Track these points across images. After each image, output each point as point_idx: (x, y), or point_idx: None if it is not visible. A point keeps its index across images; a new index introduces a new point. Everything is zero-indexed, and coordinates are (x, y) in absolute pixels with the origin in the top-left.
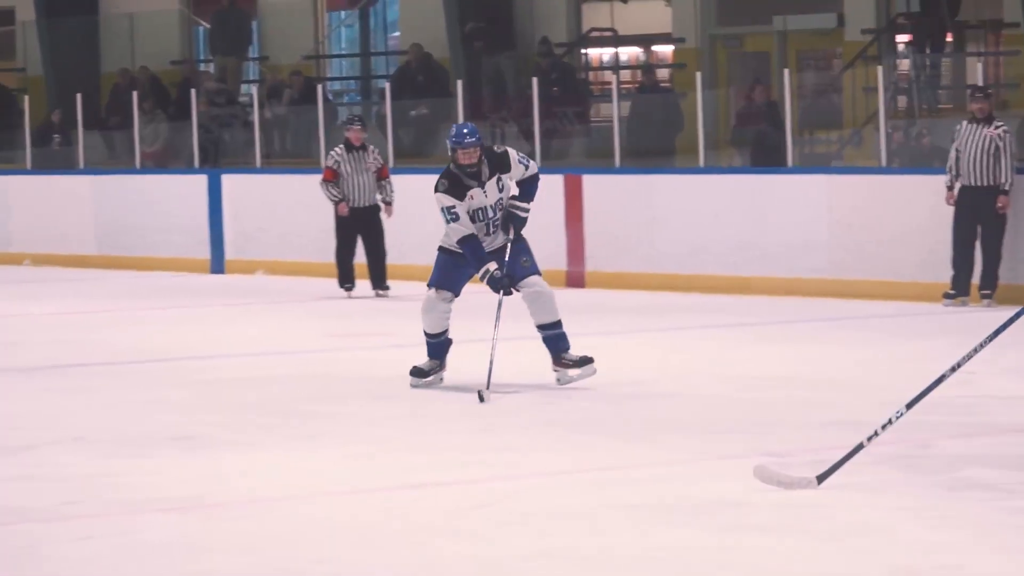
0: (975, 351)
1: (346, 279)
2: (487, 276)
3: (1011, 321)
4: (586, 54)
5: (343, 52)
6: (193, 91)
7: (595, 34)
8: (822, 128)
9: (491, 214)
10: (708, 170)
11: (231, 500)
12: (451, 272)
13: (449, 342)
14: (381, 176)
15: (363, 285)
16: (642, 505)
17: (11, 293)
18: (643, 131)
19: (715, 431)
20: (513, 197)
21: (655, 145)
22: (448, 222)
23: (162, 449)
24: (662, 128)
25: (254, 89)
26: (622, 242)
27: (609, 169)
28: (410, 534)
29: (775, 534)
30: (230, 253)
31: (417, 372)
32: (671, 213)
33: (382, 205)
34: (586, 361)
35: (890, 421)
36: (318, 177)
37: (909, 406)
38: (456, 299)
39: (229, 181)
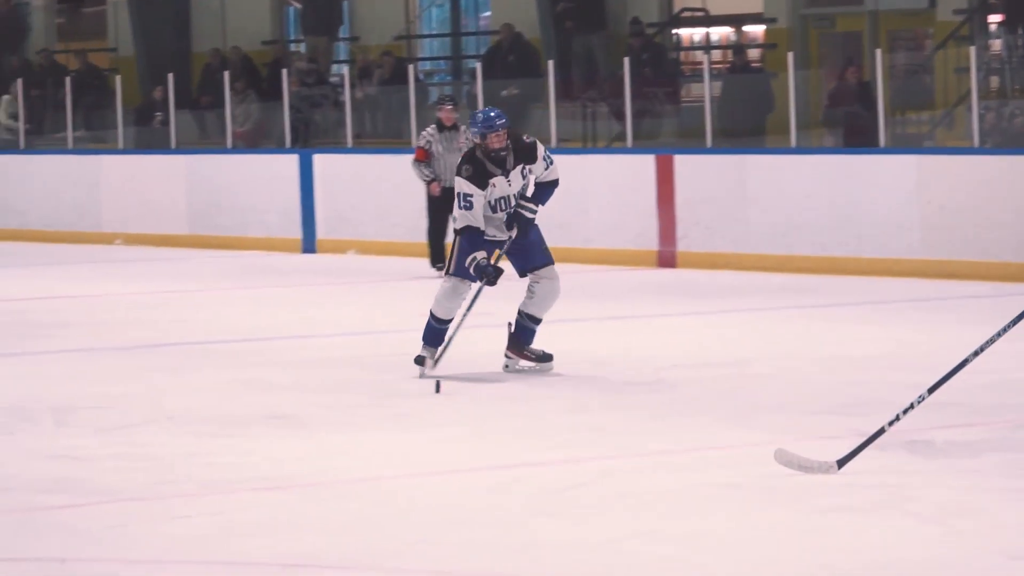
0: (999, 334)
1: (438, 259)
2: (474, 263)
3: None
4: (677, 34)
5: (434, 32)
6: (284, 71)
7: (686, 14)
8: (913, 109)
9: (515, 202)
10: (799, 150)
11: (326, 480)
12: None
13: (448, 336)
14: None
15: None
16: (740, 485)
17: (103, 273)
18: (734, 111)
19: (811, 411)
20: (524, 196)
21: (746, 125)
22: (460, 207)
23: (256, 429)
24: (753, 108)
25: (345, 69)
26: (713, 222)
27: (700, 149)
28: (507, 515)
29: (876, 516)
30: (322, 233)
31: (421, 361)
32: (763, 193)
33: None
34: (546, 358)
35: (912, 406)
36: (410, 157)
37: (931, 390)
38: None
39: (321, 161)
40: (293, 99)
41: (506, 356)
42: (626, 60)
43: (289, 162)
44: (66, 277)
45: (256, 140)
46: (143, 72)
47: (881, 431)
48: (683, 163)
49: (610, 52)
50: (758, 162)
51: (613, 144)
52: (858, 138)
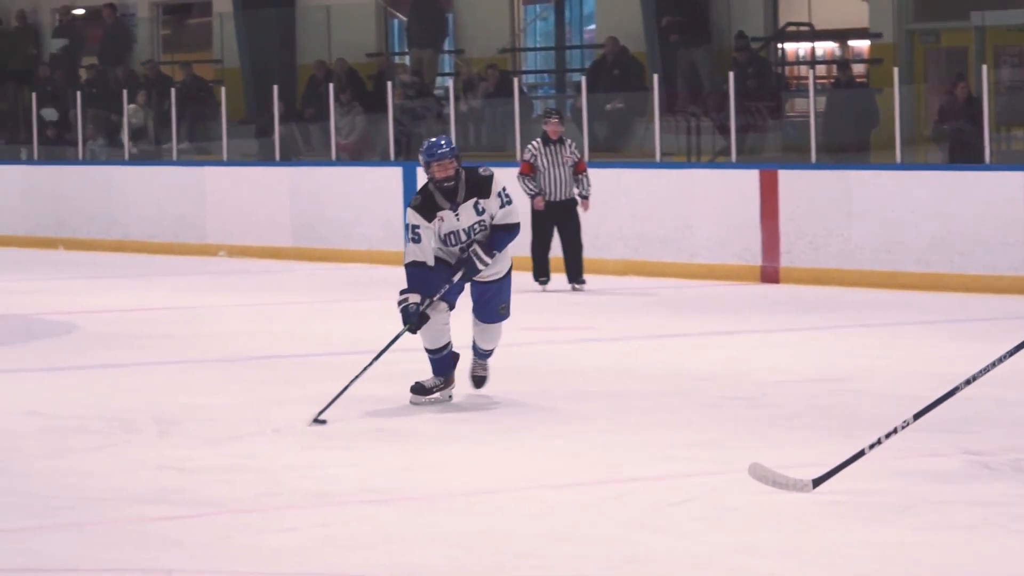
0: (994, 364)
1: (541, 273)
2: (404, 305)
3: None
4: (782, 48)
5: (538, 45)
6: (389, 84)
7: (791, 28)
8: (1020, 125)
9: (465, 238)
10: (904, 166)
11: (429, 493)
12: (434, 283)
13: (454, 356)
14: (578, 170)
15: (558, 279)
16: (846, 502)
17: (207, 285)
18: (839, 126)
19: (917, 428)
20: (479, 242)
21: (851, 140)
22: (407, 240)
23: (360, 441)
24: (858, 123)
25: (450, 82)
26: (817, 237)
27: (805, 164)
28: (615, 529)
29: (982, 533)
30: None
31: (418, 389)
32: (867, 209)
33: (579, 199)
34: (477, 384)
35: (895, 430)
36: (514, 170)
37: (916, 417)
38: (453, 310)
39: (424, 174)
40: (397, 112)
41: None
42: (731, 74)
43: (392, 174)
44: (170, 289)
45: (360, 152)
46: (248, 84)
47: (861, 453)
48: (787, 178)
49: (714, 66)
50: (862, 178)
51: (717, 159)
52: (963, 154)
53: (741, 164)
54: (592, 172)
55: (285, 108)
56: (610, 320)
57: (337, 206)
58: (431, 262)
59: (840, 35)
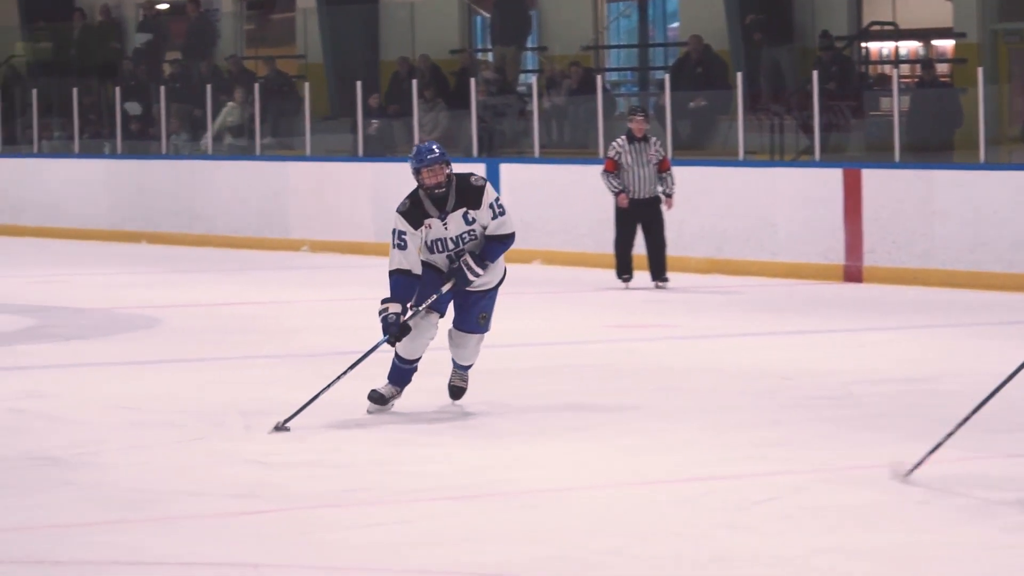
0: None
1: (624, 270)
2: (384, 315)
3: None
4: (865, 48)
5: (622, 43)
6: (472, 80)
7: (875, 28)
8: None
9: (452, 246)
10: (989, 166)
11: (514, 490)
12: (420, 292)
13: (415, 371)
14: (662, 168)
15: (641, 276)
16: (928, 501)
17: (290, 279)
18: (922, 126)
19: (999, 429)
20: (471, 253)
21: (934, 140)
22: (393, 245)
23: (444, 437)
24: (941, 123)
25: (533, 79)
26: (900, 237)
27: (888, 164)
28: (699, 527)
29: None
30: None
31: (378, 398)
32: (951, 208)
33: (663, 197)
34: (454, 395)
35: (965, 420)
36: (596, 167)
37: (979, 407)
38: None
39: (507, 170)
40: (479, 108)
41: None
42: (814, 73)
43: (476, 171)
44: (253, 284)
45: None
46: (331, 79)
47: (937, 446)
48: (871, 177)
49: (798, 65)
50: (946, 177)
51: (800, 157)
52: None
53: (824, 163)
54: (675, 170)
55: (370, 104)
56: (693, 318)
57: None
58: (417, 270)
59: (924, 34)
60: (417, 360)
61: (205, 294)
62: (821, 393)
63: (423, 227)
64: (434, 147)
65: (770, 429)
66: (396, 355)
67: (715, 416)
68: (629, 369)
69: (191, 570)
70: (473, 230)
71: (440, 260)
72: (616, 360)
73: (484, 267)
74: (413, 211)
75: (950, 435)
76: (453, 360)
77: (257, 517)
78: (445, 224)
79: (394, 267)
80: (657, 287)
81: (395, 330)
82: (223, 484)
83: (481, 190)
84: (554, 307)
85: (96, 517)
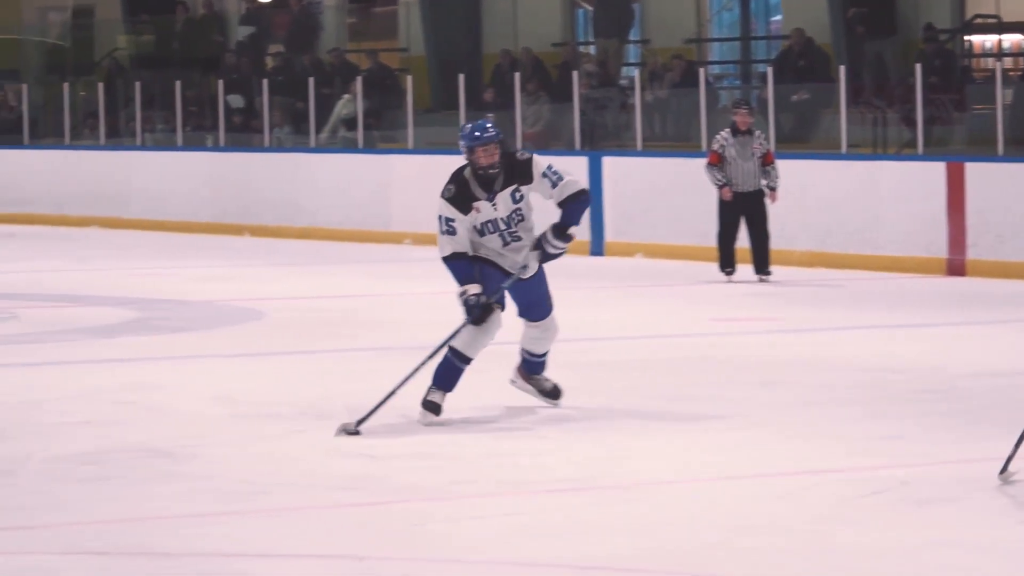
0: None
1: (727, 263)
2: (464, 297)
3: None
4: (968, 41)
5: (724, 36)
6: (575, 73)
7: (979, 21)
8: None
9: (504, 226)
10: None
11: (622, 483)
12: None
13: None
14: (766, 162)
15: (743, 270)
16: None
17: (394, 272)
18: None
19: None
20: (552, 227)
21: None
22: (442, 231)
23: (548, 430)
24: None
25: (635, 72)
26: (1004, 231)
27: (992, 157)
28: (806, 521)
29: None
30: (609, 235)
31: (435, 407)
32: None
33: (766, 190)
34: (553, 394)
35: None
36: (700, 161)
37: None
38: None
39: (609, 163)
40: (581, 101)
41: (512, 381)
42: (917, 66)
43: (578, 164)
44: (356, 276)
45: (545, 141)
46: (433, 72)
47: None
48: (974, 171)
49: (901, 58)
50: None
51: (903, 151)
52: None
53: (927, 156)
54: (778, 163)
55: (484, 99)
56: (796, 312)
57: None
58: (471, 252)
59: None
60: (473, 360)
61: (308, 287)
62: (925, 387)
63: (472, 211)
64: (488, 125)
65: (875, 423)
66: (453, 353)
67: (819, 410)
68: (732, 363)
69: (296, 562)
70: (520, 208)
71: (494, 241)
72: (719, 353)
73: (570, 237)
74: (459, 196)
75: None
76: (529, 361)
77: (362, 509)
78: (494, 205)
79: (449, 252)
80: (760, 280)
81: (479, 311)
82: (328, 476)
83: (530, 163)
84: (656, 300)
85: (202, 509)
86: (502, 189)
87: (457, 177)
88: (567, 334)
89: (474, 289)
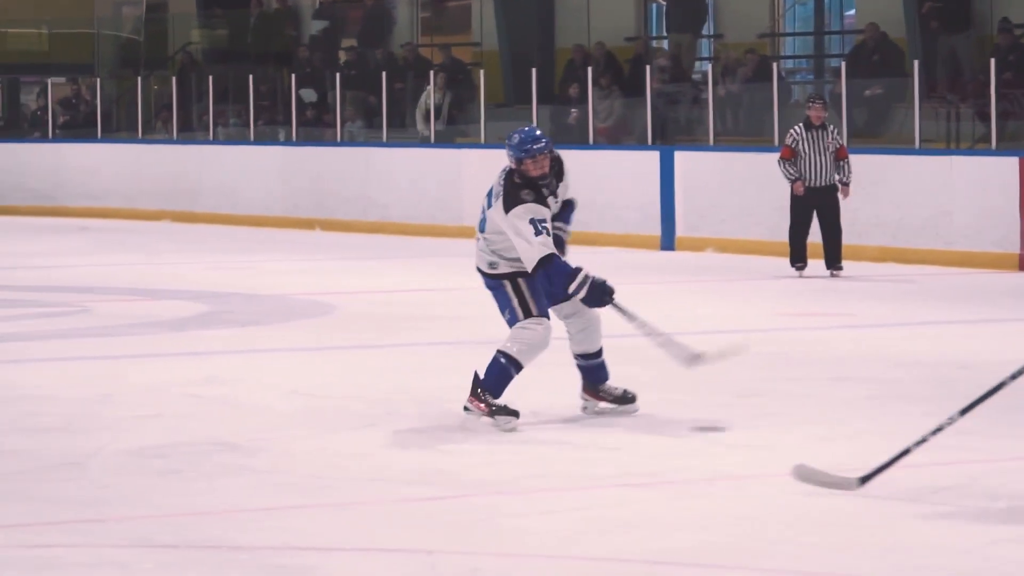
0: None
1: (798, 258)
2: (590, 280)
3: None
4: None
5: (798, 31)
6: (648, 67)
7: None
8: None
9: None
10: None
11: (688, 478)
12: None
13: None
14: (839, 156)
15: (814, 265)
16: None
17: (464, 267)
18: None
19: None
20: (562, 229)
21: None
22: (536, 233)
23: (619, 426)
24: None
25: (708, 66)
26: None
27: None
28: (874, 516)
29: None
30: (681, 230)
31: (510, 412)
32: None
33: (839, 185)
34: (627, 399)
35: (940, 428)
36: (772, 155)
37: (963, 412)
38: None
39: (682, 158)
40: (654, 96)
41: (583, 399)
42: (991, 61)
43: (650, 158)
44: (428, 271)
45: (618, 136)
46: (506, 67)
47: (906, 451)
48: None
49: (975, 53)
50: None
51: (977, 146)
52: None
53: (1001, 151)
54: (851, 158)
55: (570, 94)
56: (868, 307)
57: (594, 190)
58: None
59: None
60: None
61: (379, 281)
62: (995, 383)
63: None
64: (538, 133)
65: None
66: (512, 363)
67: (891, 405)
68: (804, 358)
69: (365, 556)
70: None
71: None
72: (790, 349)
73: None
74: (540, 195)
75: (919, 443)
76: (592, 363)
77: (432, 503)
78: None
79: (549, 251)
80: (832, 275)
81: (610, 289)
82: (398, 470)
83: (560, 159)
84: (727, 295)
85: (272, 502)
86: (556, 188)
87: (523, 180)
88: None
89: (587, 271)
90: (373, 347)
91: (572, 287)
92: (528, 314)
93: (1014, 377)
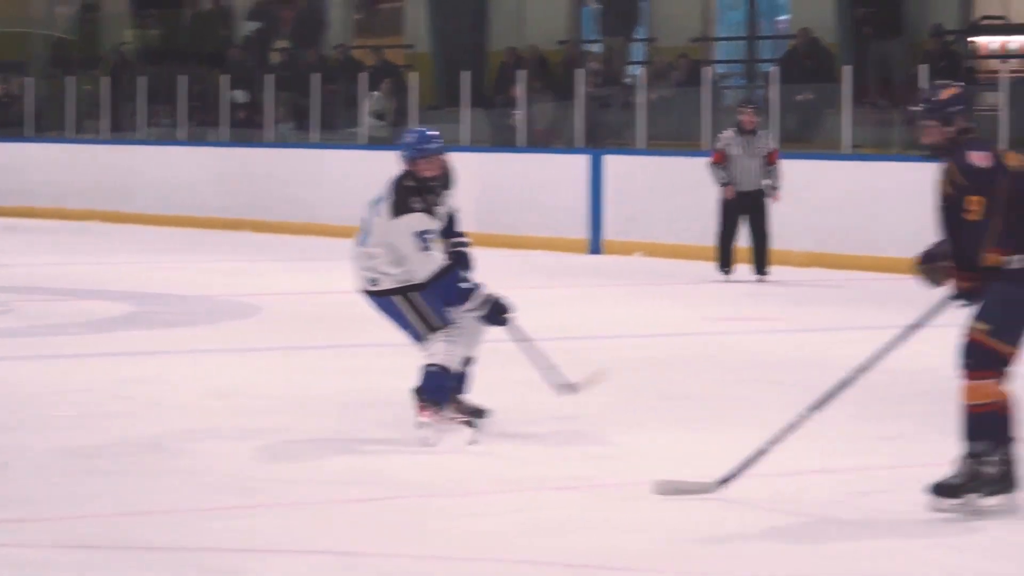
0: (886, 350)
1: (726, 262)
2: (488, 299)
3: (925, 318)
4: (973, 42)
5: (730, 35)
6: (579, 71)
7: (986, 22)
8: None
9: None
10: None
11: (617, 482)
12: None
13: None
14: (770, 161)
15: (742, 269)
16: None
17: None
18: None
19: None
20: (452, 231)
21: None
22: (423, 248)
23: (547, 428)
24: None
25: (640, 70)
26: None
27: None
28: (801, 521)
29: None
30: (609, 234)
31: (479, 414)
32: None
33: (769, 190)
34: (479, 414)
35: (792, 426)
36: (702, 160)
37: (812, 409)
38: None
39: (612, 162)
40: (585, 99)
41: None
42: (921, 67)
43: (581, 162)
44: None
45: (548, 140)
46: (439, 69)
47: (761, 451)
48: None
49: (907, 58)
50: None
51: (906, 152)
52: None
53: (932, 157)
54: (781, 163)
55: (513, 95)
56: (795, 312)
57: (523, 192)
58: None
59: None
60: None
61: (307, 282)
62: (921, 388)
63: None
64: (432, 134)
65: (871, 424)
66: (443, 371)
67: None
68: (729, 362)
69: (288, 557)
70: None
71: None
72: (716, 353)
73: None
74: (429, 204)
75: (772, 443)
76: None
77: (358, 505)
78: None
79: (444, 263)
80: (759, 280)
81: (508, 308)
82: (325, 472)
83: (452, 169)
84: (654, 299)
85: (196, 504)
86: (444, 194)
87: (413, 186)
88: (566, 332)
89: (486, 288)
90: (300, 348)
91: (471, 305)
92: (432, 328)
93: (861, 371)
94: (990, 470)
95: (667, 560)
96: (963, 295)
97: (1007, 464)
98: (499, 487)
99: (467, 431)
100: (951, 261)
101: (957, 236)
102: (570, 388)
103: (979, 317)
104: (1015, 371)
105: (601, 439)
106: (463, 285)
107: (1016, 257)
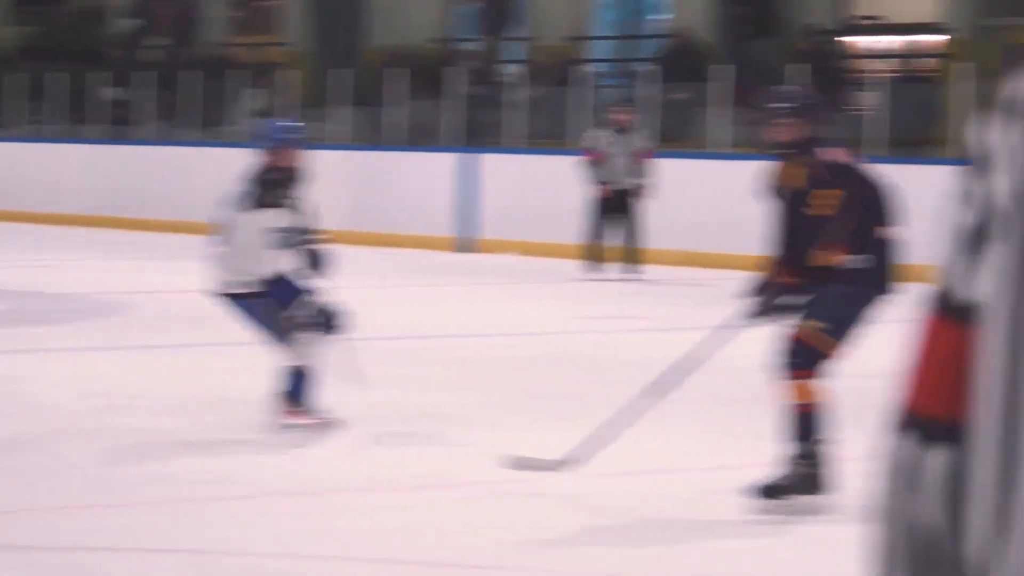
0: (717, 343)
1: (597, 261)
2: (322, 311)
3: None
4: (846, 41)
5: (607, 34)
6: (452, 70)
7: (860, 22)
8: None
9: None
10: (956, 161)
11: (486, 479)
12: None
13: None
14: (643, 160)
15: (615, 268)
16: None
17: None
18: (898, 120)
19: None
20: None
21: (911, 135)
22: (276, 246)
23: (416, 427)
24: (921, 118)
25: (515, 68)
26: None
27: (872, 158)
28: (659, 520)
29: None
30: (484, 232)
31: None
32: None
33: (641, 189)
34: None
35: (638, 410)
36: (577, 158)
37: (647, 396)
38: None
39: (486, 160)
40: (460, 98)
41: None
42: (790, 67)
43: (452, 161)
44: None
45: (422, 138)
46: (315, 67)
47: (605, 428)
48: None
49: (780, 58)
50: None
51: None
52: None
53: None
54: (654, 162)
55: (350, 92)
56: (666, 310)
57: (395, 190)
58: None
59: (909, 29)
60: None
61: (179, 280)
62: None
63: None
64: (293, 125)
65: (743, 422)
66: (303, 371)
67: (684, 408)
68: (600, 360)
69: (144, 556)
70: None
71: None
72: (587, 351)
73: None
74: (274, 199)
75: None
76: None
77: (216, 504)
78: (293, 210)
79: (296, 261)
80: (630, 278)
81: (341, 316)
82: (185, 470)
83: (306, 168)
84: (527, 297)
85: (54, 502)
86: (297, 190)
87: (264, 179)
88: (439, 330)
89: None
90: (167, 346)
91: (303, 312)
92: (288, 328)
93: (670, 375)
94: (812, 470)
95: (520, 557)
96: (778, 295)
97: (821, 464)
98: (357, 487)
99: (333, 425)
100: (777, 260)
101: (795, 232)
102: (362, 381)
103: (813, 316)
104: (832, 370)
105: (469, 437)
106: (300, 289)
107: (858, 257)
